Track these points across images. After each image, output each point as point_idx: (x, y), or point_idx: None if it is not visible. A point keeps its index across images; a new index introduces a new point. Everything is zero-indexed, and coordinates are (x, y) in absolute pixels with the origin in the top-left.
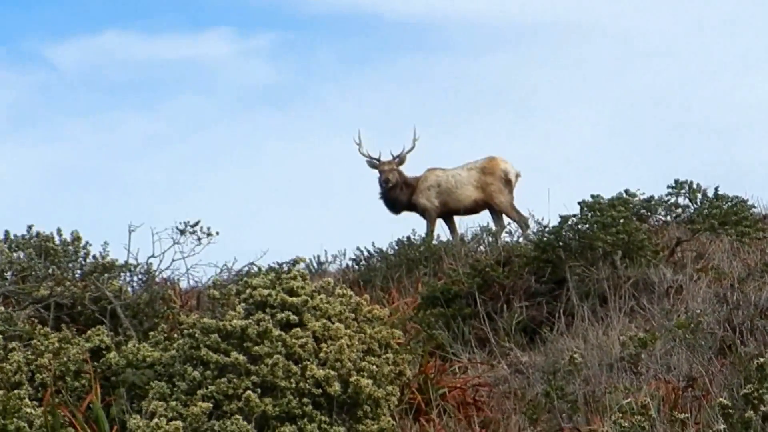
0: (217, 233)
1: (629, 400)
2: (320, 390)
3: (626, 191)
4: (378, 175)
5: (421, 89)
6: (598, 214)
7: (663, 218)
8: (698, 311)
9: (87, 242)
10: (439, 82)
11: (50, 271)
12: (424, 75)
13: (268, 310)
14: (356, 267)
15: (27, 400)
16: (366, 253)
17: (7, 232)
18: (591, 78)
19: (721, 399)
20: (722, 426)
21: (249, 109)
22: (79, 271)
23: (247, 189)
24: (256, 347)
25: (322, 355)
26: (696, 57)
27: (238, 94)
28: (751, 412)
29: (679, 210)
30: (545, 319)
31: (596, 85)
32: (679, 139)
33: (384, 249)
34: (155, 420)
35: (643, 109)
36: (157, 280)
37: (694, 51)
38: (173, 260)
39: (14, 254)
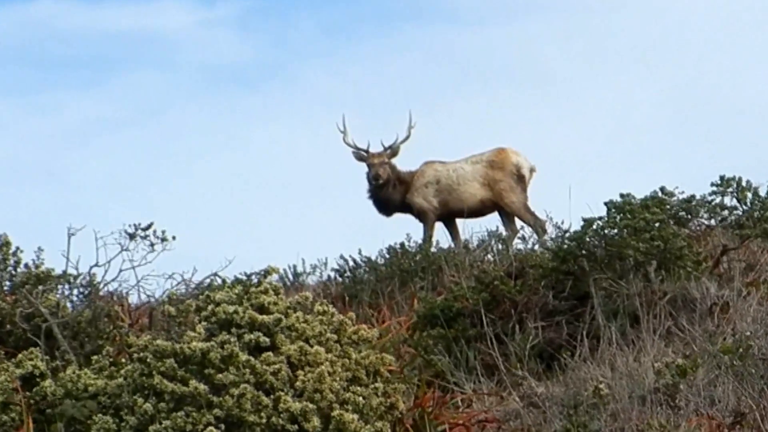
0: (174, 238)
1: None
2: (296, 426)
3: (662, 189)
4: (366, 169)
5: (418, 67)
6: (629, 216)
7: (706, 222)
8: (748, 333)
9: (17, 248)
10: (440, 58)
11: None
12: (422, 50)
13: (234, 330)
14: (340, 279)
15: None
16: (351, 263)
17: None
18: (621, 55)
19: None
20: None
21: (214, 89)
22: (8, 283)
23: (211, 185)
24: (220, 375)
25: (298, 384)
26: (749, 33)
27: (201, 71)
28: None
29: (726, 212)
30: (565, 342)
31: (627, 64)
32: (727, 129)
33: (373, 258)
34: None
35: (683, 93)
36: (101, 293)
37: (745, 26)
38: (121, 270)
39: None
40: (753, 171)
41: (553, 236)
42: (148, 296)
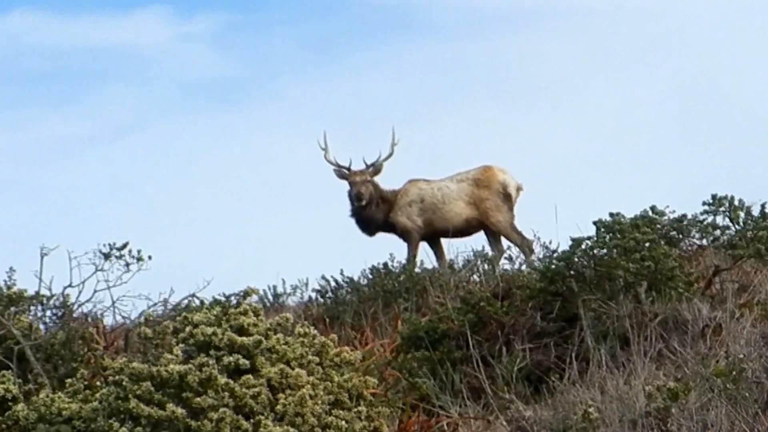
0: (150, 258)
1: None
2: None
3: (653, 209)
4: (348, 187)
5: (400, 82)
6: (618, 236)
7: (698, 242)
8: (741, 356)
9: None
10: (423, 73)
11: None
12: (405, 64)
13: (212, 352)
14: (321, 300)
15: None
16: (333, 284)
17: None
18: (610, 69)
19: None
20: None
21: (191, 105)
22: None
23: (188, 203)
24: (198, 398)
25: (279, 408)
26: (751, 32)
27: (178, 87)
28: None
29: (718, 232)
30: (553, 364)
31: (617, 78)
32: (719, 145)
33: (355, 278)
34: None
35: (673, 107)
36: (75, 315)
37: (748, 24)
38: (96, 291)
39: None
40: (746, 189)
41: (541, 256)
42: (124, 318)
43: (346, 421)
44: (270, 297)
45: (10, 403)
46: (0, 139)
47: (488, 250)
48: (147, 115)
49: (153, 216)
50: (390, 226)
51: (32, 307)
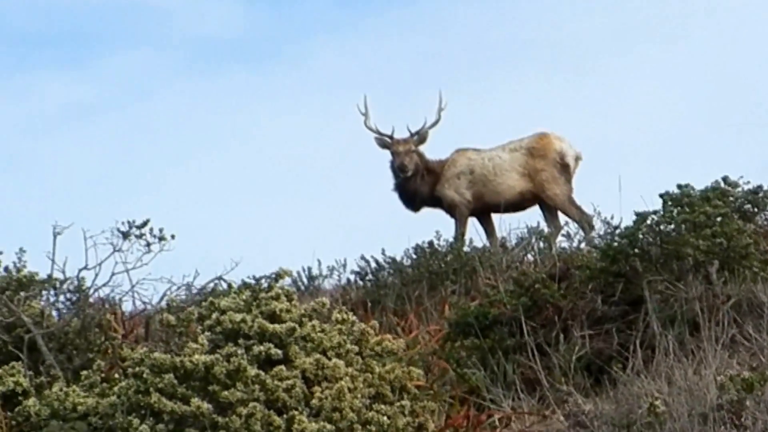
0: (173, 237)
1: None
2: None
3: (725, 179)
4: (390, 158)
5: (446, 41)
6: (687, 210)
7: None
8: None
9: None
10: (471, 30)
11: None
12: (450, 21)
13: (241, 341)
14: (361, 283)
15: None
16: (374, 265)
17: None
18: (682, 25)
19: None
20: None
21: (212, 68)
22: None
23: (212, 176)
24: (226, 392)
25: (314, 402)
26: None
27: (197, 48)
28: None
29: None
30: (616, 353)
31: (689, 35)
32: None
33: (398, 259)
34: None
35: (750, 69)
36: (91, 300)
37: None
38: (113, 274)
39: None
40: None
41: (602, 233)
42: (145, 303)
43: (388, 417)
44: (304, 280)
45: (20, 398)
46: None
47: (544, 226)
48: (162, 80)
49: (174, 190)
50: (436, 201)
51: (44, 292)
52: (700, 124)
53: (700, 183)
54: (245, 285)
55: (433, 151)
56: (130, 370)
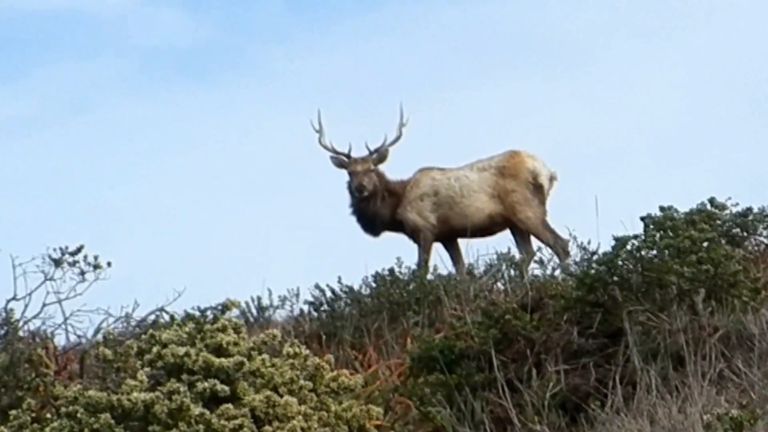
0: (109, 265)
1: None
2: None
3: (711, 201)
4: (348, 178)
5: (408, 52)
6: (671, 235)
7: (766, 241)
8: None
9: None
10: (436, 40)
11: None
12: (413, 30)
13: (185, 376)
14: (315, 314)
15: None
16: (329, 294)
17: None
18: (659, 25)
19: None
20: None
21: (157, 80)
22: None
23: (154, 197)
24: None
25: None
26: None
27: (142, 59)
28: None
29: None
30: (593, 389)
31: (665, 46)
32: None
33: (356, 287)
34: None
35: (736, 78)
36: (20, 333)
37: None
38: (45, 304)
39: None
40: None
41: (578, 259)
42: (79, 336)
43: None
44: (254, 310)
45: None
46: None
47: (515, 252)
48: (102, 93)
49: (112, 212)
50: (397, 224)
51: None
52: (684, 140)
53: (684, 205)
54: (189, 316)
55: (394, 170)
56: (63, 409)
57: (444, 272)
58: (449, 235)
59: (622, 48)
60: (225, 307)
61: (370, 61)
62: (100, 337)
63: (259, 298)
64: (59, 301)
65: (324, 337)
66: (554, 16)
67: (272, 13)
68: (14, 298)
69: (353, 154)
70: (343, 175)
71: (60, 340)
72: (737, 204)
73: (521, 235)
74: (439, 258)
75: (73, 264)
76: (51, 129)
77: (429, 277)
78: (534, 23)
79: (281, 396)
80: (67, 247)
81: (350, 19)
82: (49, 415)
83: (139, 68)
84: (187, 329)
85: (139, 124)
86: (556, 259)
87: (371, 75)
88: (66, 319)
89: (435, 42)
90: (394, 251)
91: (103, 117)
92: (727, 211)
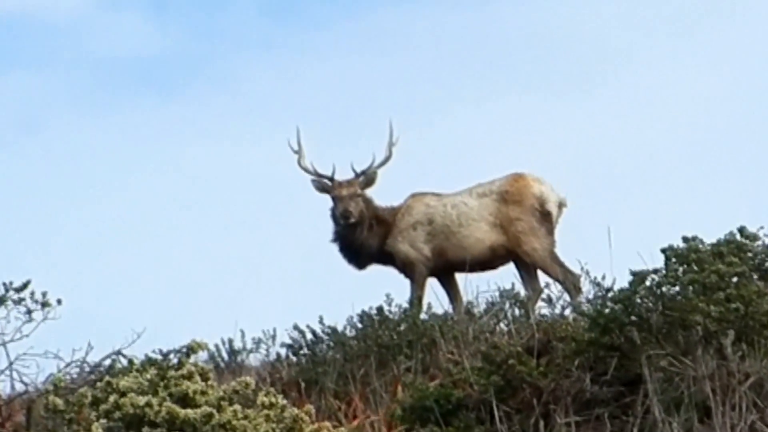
0: (59, 302)
1: None
2: None
3: (741, 231)
4: (331, 203)
5: (401, 64)
6: (696, 269)
7: None
8: None
9: None
10: (428, 50)
11: None
12: (407, 41)
13: (146, 430)
14: (294, 358)
15: None
16: (310, 336)
17: None
18: (689, 44)
19: None
20: None
21: (116, 93)
22: None
23: (110, 226)
24: None
25: None
26: None
27: (99, 71)
28: None
29: None
30: None
31: (687, 56)
32: None
33: (340, 329)
34: None
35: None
36: None
37: None
38: None
39: None
40: None
41: (591, 296)
42: (26, 384)
43: None
44: (224, 354)
45: None
46: None
47: (520, 288)
48: (56, 108)
49: (64, 244)
50: (387, 256)
51: None
52: (709, 163)
53: (710, 235)
54: (150, 361)
55: (383, 196)
56: None
57: (439, 311)
58: (445, 268)
59: (636, 62)
60: (191, 350)
61: (355, 73)
62: (49, 384)
63: (230, 341)
64: (3, 344)
65: (303, 384)
66: (563, 28)
67: (245, 19)
68: None
69: (337, 177)
70: (326, 201)
71: (4, 388)
72: None
73: (527, 269)
74: (434, 295)
75: (19, 301)
76: None
77: (423, 316)
78: (540, 34)
79: None
80: (11, 282)
81: (333, 26)
82: None
83: (96, 80)
84: (148, 376)
85: (97, 143)
86: (566, 296)
87: (357, 88)
88: (11, 363)
89: (429, 52)
90: (383, 287)
91: (56, 135)
92: (759, 242)
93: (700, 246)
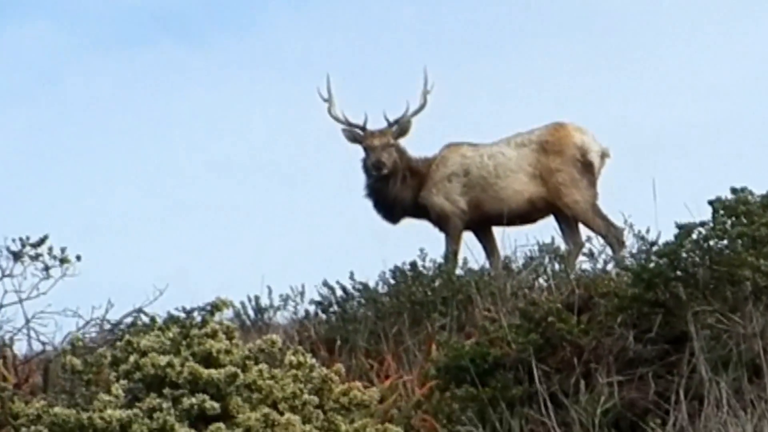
0: (78, 258)
1: None
2: None
3: None
4: (363, 154)
5: (438, 6)
6: (745, 221)
7: None
8: None
9: None
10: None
11: None
12: None
13: (167, 391)
14: (323, 316)
15: None
16: (340, 293)
17: None
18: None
19: None
20: None
21: (136, 44)
22: None
23: (129, 179)
24: None
25: None
26: None
27: (117, 20)
28: None
29: None
30: (653, 404)
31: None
32: None
33: (371, 285)
34: None
35: None
36: None
37: None
38: (2, 305)
39: None
40: None
41: (635, 251)
42: (43, 343)
43: None
44: (250, 312)
45: None
46: None
47: (560, 242)
48: (74, 60)
49: (81, 198)
50: (421, 210)
51: None
52: (758, 111)
53: (760, 186)
54: (172, 319)
55: (417, 146)
56: (23, 429)
57: (476, 266)
58: (482, 222)
59: (685, 18)
60: (215, 308)
61: (389, 17)
62: (67, 344)
63: (256, 298)
64: (20, 301)
65: (333, 343)
66: None
67: None
68: None
69: (369, 126)
70: (358, 151)
71: (21, 348)
72: None
73: (567, 223)
74: (470, 249)
75: (36, 257)
76: (11, 104)
77: (458, 272)
78: None
79: (282, 414)
80: (28, 238)
81: None
82: None
83: (114, 31)
84: (170, 334)
85: (114, 96)
86: (608, 250)
87: (390, 33)
88: (28, 322)
89: (468, 2)
90: (417, 241)
91: (69, 89)
92: None
93: (750, 197)
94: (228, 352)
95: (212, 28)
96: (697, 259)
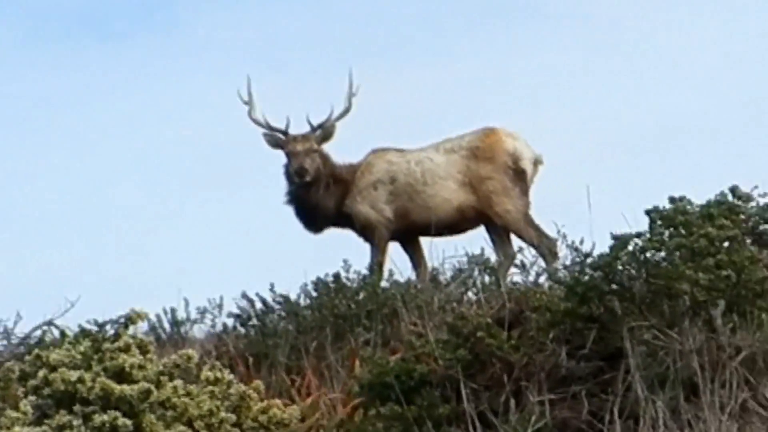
0: None
1: None
2: None
3: (734, 191)
4: (285, 159)
5: (361, 3)
6: (683, 232)
7: None
8: None
9: None
10: None
11: None
12: None
13: (78, 407)
14: (242, 330)
15: None
16: (260, 305)
17: None
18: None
19: None
20: None
21: (54, 41)
22: None
23: (44, 183)
24: None
25: None
26: None
27: (38, 18)
28: None
29: None
30: (586, 424)
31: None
32: None
33: (292, 297)
34: None
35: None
36: None
37: None
38: None
39: None
40: None
41: (568, 263)
42: None
43: None
44: (166, 325)
45: None
46: None
47: (490, 253)
48: None
49: None
50: (345, 218)
51: None
52: (698, 117)
53: (699, 196)
54: (84, 332)
55: (342, 152)
56: None
57: (402, 279)
58: (409, 232)
59: (624, 8)
60: (129, 321)
61: (313, 15)
62: None
63: (172, 310)
64: None
65: (252, 358)
66: None
67: None
68: None
69: (292, 131)
70: (280, 157)
71: None
72: (765, 194)
73: (498, 233)
74: (396, 261)
75: None
76: None
77: (383, 284)
78: None
79: None
80: None
81: None
82: None
83: (31, 28)
84: (81, 348)
85: (32, 93)
86: (540, 262)
87: (314, 33)
88: None
89: None
90: (341, 252)
91: None
92: (753, 204)
93: (688, 207)
94: (141, 367)
95: (133, 28)
96: (633, 271)
